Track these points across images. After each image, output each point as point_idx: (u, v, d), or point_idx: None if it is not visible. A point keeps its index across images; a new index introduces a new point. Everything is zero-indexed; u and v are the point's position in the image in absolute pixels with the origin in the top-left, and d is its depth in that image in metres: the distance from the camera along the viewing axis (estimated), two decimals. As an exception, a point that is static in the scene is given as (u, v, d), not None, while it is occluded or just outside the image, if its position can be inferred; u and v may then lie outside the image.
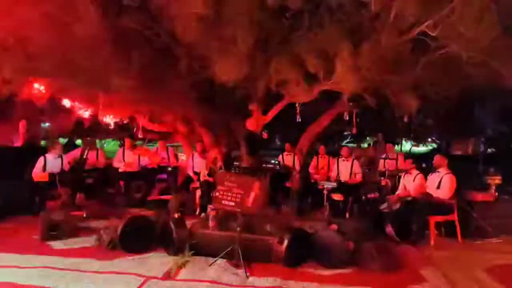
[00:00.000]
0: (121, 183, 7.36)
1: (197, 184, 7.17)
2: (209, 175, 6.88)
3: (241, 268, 4.04)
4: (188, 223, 4.86)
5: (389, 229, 5.27)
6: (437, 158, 5.77)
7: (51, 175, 6.25)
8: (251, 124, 7.92)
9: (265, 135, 7.88)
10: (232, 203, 4.38)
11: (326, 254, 4.27)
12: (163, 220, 4.78)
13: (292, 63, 6.30)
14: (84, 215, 6.16)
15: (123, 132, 9.64)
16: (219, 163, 7.01)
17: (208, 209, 5.20)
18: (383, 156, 7.99)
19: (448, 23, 5.16)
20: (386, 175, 7.29)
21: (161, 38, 6.96)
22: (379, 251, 4.20)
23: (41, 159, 6.38)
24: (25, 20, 5.49)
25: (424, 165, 6.38)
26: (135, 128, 8.49)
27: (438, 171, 5.67)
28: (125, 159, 7.49)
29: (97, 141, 9.36)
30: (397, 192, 6.17)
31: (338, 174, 7.13)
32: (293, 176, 7.14)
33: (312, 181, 7.55)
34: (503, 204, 6.00)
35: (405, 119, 7.59)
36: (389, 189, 6.94)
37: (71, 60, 5.90)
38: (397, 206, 5.60)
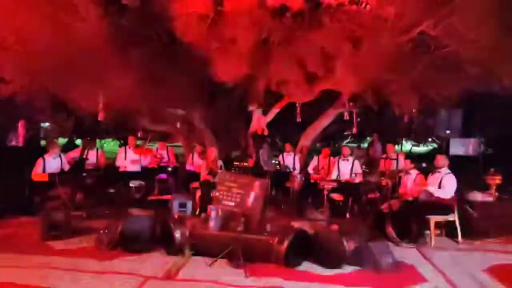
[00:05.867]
0: (121, 183, 7.34)
1: (197, 184, 7.17)
2: (209, 175, 6.87)
3: (241, 268, 4.04)
4: (188, 223, 4.85)
5: (389, 229, 5.27)
6: (439, 158, 5.74)
7: (51, 175, 6.25)
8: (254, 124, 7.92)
9: (265, 131, 7.83)
10: (232, 203, 4.38)
11: (326, 254, 4.26)
12: (163, 220, 4.77)
13: (292, 63, 6.31)
14: (84, 215, 6.16)
15: (123, 132, 9.65)
16: (219, 163, 7.00)
17: (208, 209, 5.20)
18: (383, 156, 7.98)
19: (448, 23, 5.17)
20: (386, 175, 7.28)
21: (161, 38, 6.98)
22: (379, 250, 4.19)
23: (40, 160, 6.37)
24: (26, 20, 5.50)
25: (424, 165, 6.36)
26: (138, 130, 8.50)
27: (438, 171, 5.66)
28: (127, 158, 7.48)
29: (97, 141, 9.35)
30: (399, 190, 6.16)
31: (338, 174, 7.12)
32: (293, 176, 7.13)
33: (312, 181, 7.54)
34: (503, 204, 6.00)
35: (405, 119, 7.59)
36: (389, 189, 6.93)
37: (72, 60, 5.90)
38: (397, 206, 5.60)
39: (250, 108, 7.97)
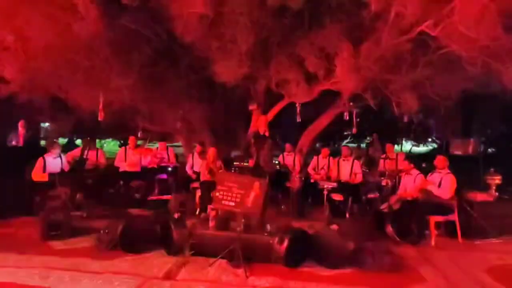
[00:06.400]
0: (121, 183, 7.34)
1: (197, 184, 7.16)
2: (209, 175, 6.87)
3: (241, 268, 4.04)
4: (188, 223, 4.86)
5: (389, 229, 5.27)
6: (440, 159, 5.72)
7: (51, 175, 6.25)
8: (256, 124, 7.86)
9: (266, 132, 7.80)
10: (232, 203, 4.37)
11: (326, 254, 4.26)
12: (163, 220, 4.78)
13: (292, 63, 6.31)
14: (84, 215, 6.16)
15: (123, 132, 9.64)
16: (219, 163, 7.00)
17: (208, 209, 5.20)
18: (383, 156, 7.98)
19: (448, 23, 5.17)
20: (386, 175, 7.28)
21: (161, 38, 6.97)
22: (379, 251, 4.19)
23: (40, 160, 6.38)
24: (26, 20, 5.50)
25: (424, 165, 6.36)
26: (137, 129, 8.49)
27: (438, 171, 5.66)
28: (127, 158, 7.48)
29: (97, 141, 9.34)
30: (397, 192, 6.15)
31: (338, 174, 7.12)
32: (293, 176, 7.13)
33: (312, 181, 7.55)
34: (503, 204, 6.00)
35: (405, 119, 7.58)
36: (389, 189, 6.94)
37: (71, 59, 5.90)
38: (397, 206, 5.60)
39: (250, 108, 7.95)
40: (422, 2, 5.14)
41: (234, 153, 9.54)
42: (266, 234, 4.48)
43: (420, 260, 4.61)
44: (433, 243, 5.22)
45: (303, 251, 4.38)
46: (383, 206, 5.78)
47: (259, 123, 6.40)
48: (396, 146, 12.66)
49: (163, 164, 7.87)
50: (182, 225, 4.58)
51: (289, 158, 8.05)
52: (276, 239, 4.25)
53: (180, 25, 5.83)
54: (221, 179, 4.59)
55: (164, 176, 7.81)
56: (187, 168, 7.77)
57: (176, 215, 4.81)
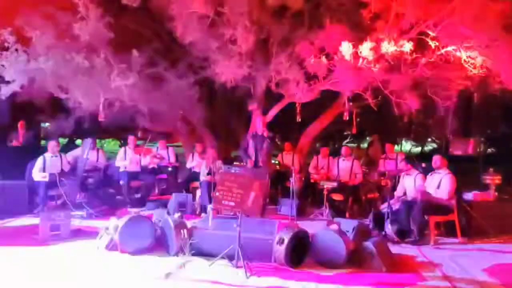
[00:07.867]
0: (121, 183, 7.35)
1: (197, 184, 7.17)
2: (208, 174, 6.88)
3: (241, 268, 4.04)
4: (188, 223, 4.86)
5: (389, 229, 5.26)
6: (436, 159, 5.70)
7: (51, 175, 6.26)
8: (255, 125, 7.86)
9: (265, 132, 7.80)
10: (232, 203, 4.37)
11: (326, 254, 4.26)
12: (163, 220, 4.77)
13: (292, 63, 6.32)
14: (84, 215, 6.16)
15: (123, 132, 9.64)
16: (219, 163, 7.00)
17: (208, 209, 5.20)
18: (383, 156, 7.98)
19: (448, 23, 5.18)
20: (386, 175, 7.28)
21: (161, 38, 6.99)
22: (379, 251, 4.19)
23: (40, 159, 6.38)
24: (26, 19, 5.52)
25: (424, 165, 6.35)
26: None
27: (438, 172, 5.65)
28: (127, 158, 7.48)
29: (97, 141, 9.34)
30: (395, 192, 6.14)
31: (338, 174, 7.12)
32: (293, 176, 7.13)
33: (312, 181, 7.54)
34: (503, 204, 6.00)
35: (405, 119, 7.58)
36: (389, 189, 6.93)
37: (71, 60, 5.91)
38: (397, 206, 5.60)
39: (250, 108, 7.96)
40: (422, 2, 5.15)
41: (234, 153, 9.54)
42: (266, 234, 4.47)
43: (420, 259, 4.62)
44: (433, 243, 5.22)
45: (303, 251, 4.38)
46: (383, 206, 5.78)
47: (258, 124, 6.43)
48: (396, 146, 12.65)
49: (163, 164, 7.87)
50: (182, 225, 4.57)
51: (289, 158, 8.05)
52: (276, 239, 4.25)
53: (180, 25, 5.85)
54: (221, 179, 4.59)
55: (164, 176, 7.81)
56: (188, 164, 7.79)
57: (176, 215, 4.80)
